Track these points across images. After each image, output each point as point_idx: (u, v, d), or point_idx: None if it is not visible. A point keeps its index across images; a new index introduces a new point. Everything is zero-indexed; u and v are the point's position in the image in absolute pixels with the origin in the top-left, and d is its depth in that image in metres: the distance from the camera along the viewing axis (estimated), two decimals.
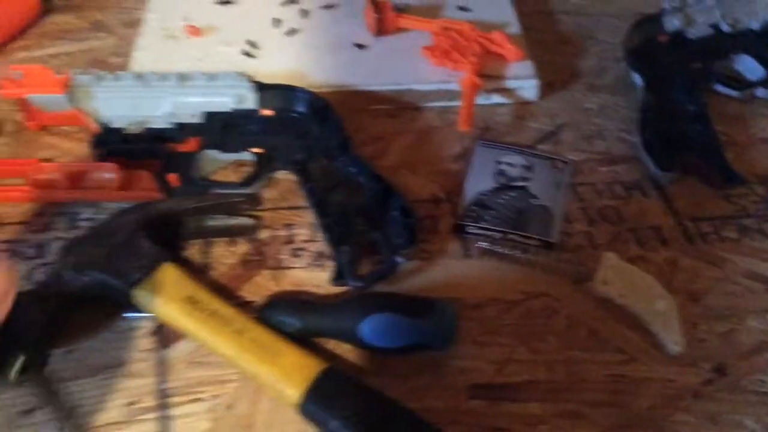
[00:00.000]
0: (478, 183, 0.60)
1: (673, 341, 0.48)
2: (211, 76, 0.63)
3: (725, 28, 0.71)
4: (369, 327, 0.46)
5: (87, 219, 0.57)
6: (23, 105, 0.63)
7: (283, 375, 0.45)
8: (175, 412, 0.46)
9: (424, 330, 0.47)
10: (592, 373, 0.47)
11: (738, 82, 0.68)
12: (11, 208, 0.58)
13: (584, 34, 0.77)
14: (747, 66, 0.68)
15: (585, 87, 0.71)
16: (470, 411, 0.46)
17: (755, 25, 0.71)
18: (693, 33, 0.71)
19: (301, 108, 0.62)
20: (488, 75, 0.68)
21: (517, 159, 0.62)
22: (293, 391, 0.44)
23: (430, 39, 0.71)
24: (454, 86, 0.67)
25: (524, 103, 0.69)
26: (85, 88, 0.63)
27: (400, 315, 0.47)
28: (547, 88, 0.70)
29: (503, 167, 0.61)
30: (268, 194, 0.59)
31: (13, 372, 0.44)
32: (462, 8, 0.77)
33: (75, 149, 0.63)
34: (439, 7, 0.77)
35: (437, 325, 0.47)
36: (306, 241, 0.56)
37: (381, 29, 0.72)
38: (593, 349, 0.49)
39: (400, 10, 0.74)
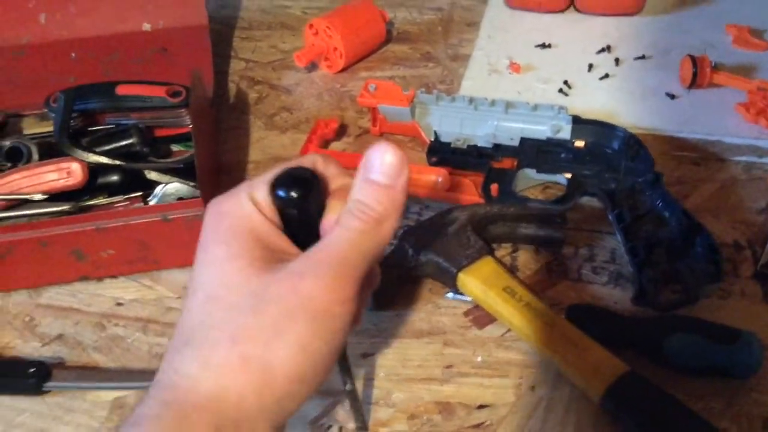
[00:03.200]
0: None
1: None
2: (533, 107, 0.71)
3: None
4: (675, 343, 0.50)
5: (415, 213, 0.67)
6: (373, 113, 0.75)
7: (587, 369, 0.50)
8: (483, 382, 0.53)
9: (728, 356, 0.49)
10: None
11: None
12: None
13: None
14: None
15: None
16: None
17: None
18: None
19: (615, 144, 0.68)
20: None
21: None
22: (596, 385, 0.49)
23: (745, 97, 0.73)
24: (764, 143, 0.69)
25: None
26: (424, 104, 0.73)
27: (707, 338, 0.50)
28: None
29: None
30: (573, 216, 0.65)
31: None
32: None
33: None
34: (753, 69, 0.79)
35: (742, 353, 0.49)
36: (606, 262, 0.62)
37: (695, 83, 0.76)
38: None
39: (715, 67, 0.77)
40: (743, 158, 0.70)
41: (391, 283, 0.58)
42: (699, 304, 0.56)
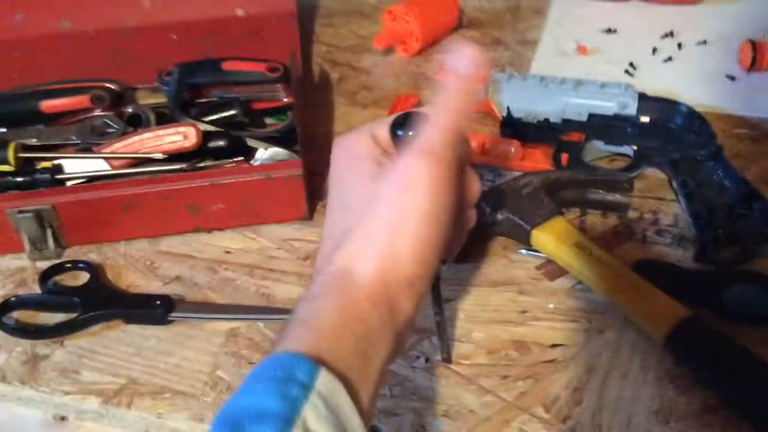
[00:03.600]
0: None
1: None
2: (601, 84, 0.76)
3: None
4: (734, 293, 0.55)
5: (489, 180, 0.73)
6: None
7: (652, 314, 0.56)
8: (556, 325, 0.59)
9: None
10: None
11: None
12: None
13: None
14: None
15: None
16: None
17: None
18: None
19: (678, 119, 0.73)
20: None
21: None
22: (660, 327, 0.55)
23: None
24: None
25: None
26: (498, 83, 0.79)
27: (763, 287, 0.55)
28: None
29: None
30: (638, 185, 0.70)
31: None
32: None
33: (480, 129, 0.80)
34: None
35: None
36: (669, 226, 0.67)
37: (754, 65, 0.80)
38: None
39: None
40: None
41: (470, 240, 0.64)
42: (755, 262, 0.61)
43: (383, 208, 0.40)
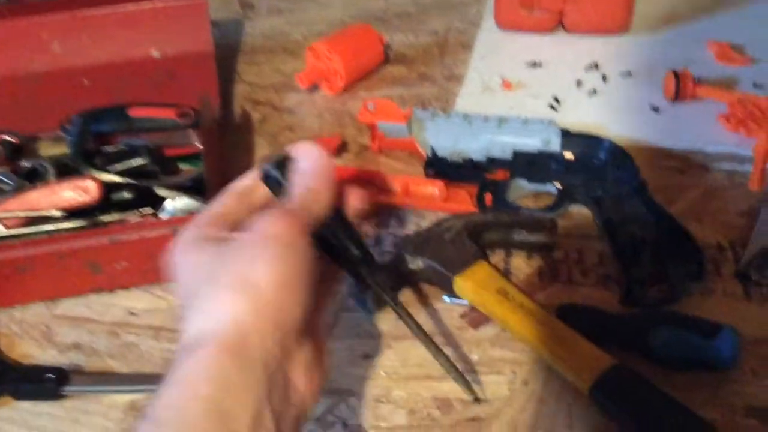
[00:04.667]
0: (764, 237, 0.64)
1: None
2: (524, 121, 0.75)
3: None
4: (660, 336, 0.53)
5: (413, 222, 0.71)
6: (372, 130, 0.79)
7: (577, 363, 0.53)
8: (479, 378, 0.56)
9: (710, 348, 0.53)
10: None
11: None
12: None
13: None
14: None
15: None
16: (746, 427, 0.50)
17: None
18: None
19: (601, 154, 0.71)
20: None
21: None
22: (585, 377, 0.52)
23: (726, 108, 0.77)
24: (745, 151, 0.72)
25: None
26: (420, 121, 0.77)
27: (690, 331, 0.53)
28: None
29: None
30: (563, 223, 0.68)
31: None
32: (757, 85, 0.82)
33: (403, 170, 0.77)
34: (733, 82, 0.83)
35: (723, 346, 0.52)
36: (594, 265, 0.65)
37: (678, 96, 0.80)
38: None
39: (697, 81, 0.81)
40: (725, 165, 0.73)
41: (391, 288, 0.61)
42: (683, 302, 0.59)
43: (241, 257, 0.38)
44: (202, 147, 0.71)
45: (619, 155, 0.71)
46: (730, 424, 0.51)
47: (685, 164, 0.74)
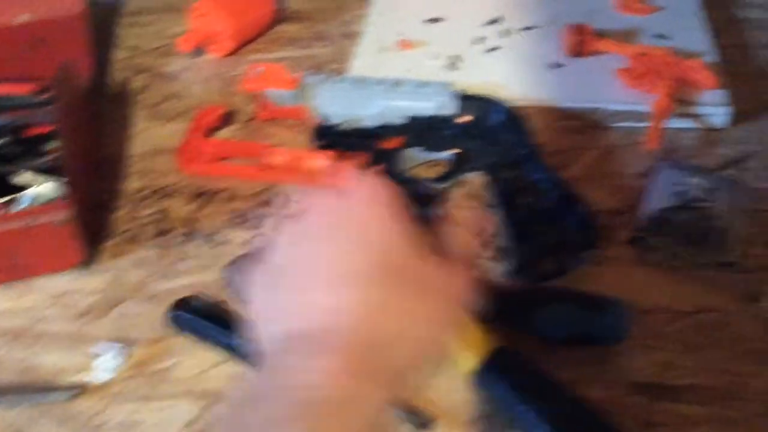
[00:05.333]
0: (658, 200, 0.62)
1: None
2: (419, 84, 0.71)
3: None
4: (547, 316, 0.51)
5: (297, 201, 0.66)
6: (258, 98, 0.74)
7: (462, 346, 0.51)
8: None
9: (597, 325, 0.51)
10: (754, 386, 0.49)
11: None
12: (242, 184, 0.68)
13: None
14: None
15: None
16: (630, 405, 0.49)
17: None
18: None
19: (496, 117, 0.68)
20: (681, 99, 0.70)
21: (699, 181, 0.64)
22: (471, 359, 0.50)
23: (626, 62, 0.75)
24: (644, 108, 0.70)
25: (713, 130, 0.70)
26: (311, 87, 0.72)
27: (576, 307, 0.51)
28: (739, 117, 0.71)
29: (684, 187, 0.63)
30: (458, 192, 0.65)
31: None
32: (659, 36, 0.79)
33: (294, 139, 0.73)
34: (635, 34, 0.80)
35: (610, 322, 0.51)
36: (493, 236, 0.62)
37: (578, 51, 0.77)
38: (757, 364, 0.50)
39: (598, 34, 0.78)
40: (624, 124, 0.71)
41: None
42: (576, 271, 0.57)
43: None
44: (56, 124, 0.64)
45: (513, 118, 0.68)
46: (617, 400, 0.49)
47: (585, 124, 0.72)
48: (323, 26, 0.90)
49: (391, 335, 0.36)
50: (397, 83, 0.71)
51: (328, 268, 0.37)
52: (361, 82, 0.72)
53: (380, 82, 0.71)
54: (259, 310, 0.39)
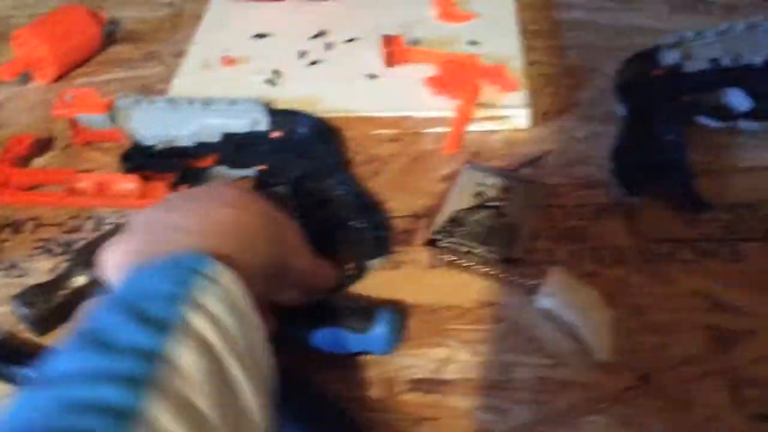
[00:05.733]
0: (456, 202, 0.65)
1: (600, 349, 0.52)
2: (231, 101, 0.72)
3: (726, 62, 0.73)
4: (319, 339, 0.53)
5: (111, 223, 0.67)
6: (72, 123, 0.74)
7: None
8: None
9: (365, 342, 0.53)
10: (522, 374, 0.52)
11: (724, 114, 0.70)
12: (50, 211, 0.68)
13: (589, 66, 0.81)
14: (734, 99, 0.70)
15: (578, 117, 0.75)
16: (403, 402, 0.51)
17: (756, 60, 0.73)
18: (690, 67, 0.73)
19: (303, 130, 0.70)
20: (484, 104, 0.73)
21: (497, 181, 0.67)
22: None
23: (436, 70, 0.77)
24: (450, 113, 0.73)
25: (516, 131, 0.73)
26: (125, 109, 0.73)
27: (344, 328, 0.52)
28: (543, 117, 0.74)
29: (482, 188, 0.66)
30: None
31: None
32: (472, 42, 0.83)
33: (111, 163, 0.73)
34: (450, 42, 0.83)
35: (380, 335, 0.52)
36: None
37: (393, 61, 0.79)
38: (529, 353, 0.53)
39: (413, 43, 0.81)
40: (433, 130, 0.74)
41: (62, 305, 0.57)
42: (371, 277, 0.59)
43: None
44: None
45: (321, 131, 0.69)
46: (388, 401, 0.51)
47: (396, 132, 0.74)
48: (156, 46, 0.90)
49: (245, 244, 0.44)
50: (210, 102, 0.72)
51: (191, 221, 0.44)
52: (174, 102, 0.73)
53: (192, 101, 0.72)
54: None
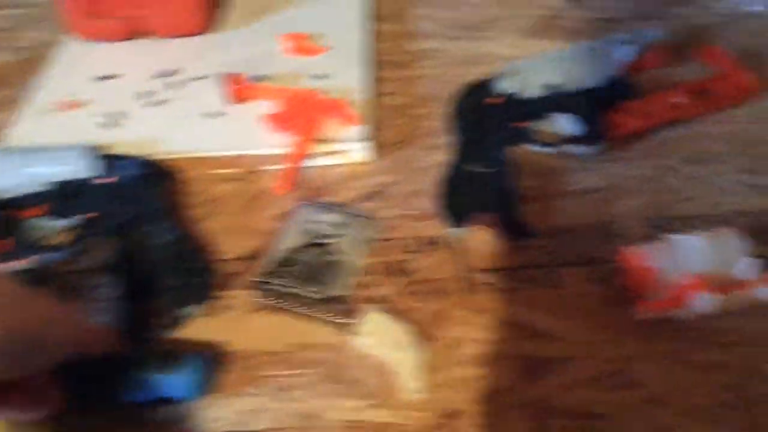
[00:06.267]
0: (288, 241, 0.64)
1: (414, 388, 0.51)
2: (62, 148, 0.70)
3: (561, 88, 0.74)
4: (126, 388, 0.51)
5: None
6: None
7: None
8: None
9: (171, 385, 0.51)
10: (334, 417, 0.51)
11: (551, 140, 0.71)
12: None
13: (438, 96, 0.81)
14: (563, 124, 0.71)
15: (424, 147, 0.74)
16: None
17: (591, 84, 0.74)
18: (524, 94, 0.74)
19: (132, 174, 0.68)
20: (324, 139, 0.73)
21: (331, 217, 0.66)
22: None
23: (279, 106, 0.77)
24: (287, 150, 0.72)
25: (359, 164, 0.73)
26: None
27: (148, 373, 0.51)
28: (389, 148, 0.74)
29: (315, 225, 0.65)
30: (98, 256, 0.64)
31: None
32: (320, 76, 0.82)
33: None
34: (298, 76, 0.82)
35: (183, 380, 0.51)
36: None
37: (236, 99, 0.78)
38: (342, 396, 0.52)
39: (257, 80, 0.80)
40: (273, 167, 0.73)
41: None
42: (192, 324, 0.58)
43: None
44: None
45: (149, 175, 0.68)
46: None
47: (236, 172, 0.73)
48: (10, 91, 0.87)
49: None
50: (36, 150, 0.70)
51: None
52: (3, 152, 0.70)
53: (11, 151, 0.70)
54: None
